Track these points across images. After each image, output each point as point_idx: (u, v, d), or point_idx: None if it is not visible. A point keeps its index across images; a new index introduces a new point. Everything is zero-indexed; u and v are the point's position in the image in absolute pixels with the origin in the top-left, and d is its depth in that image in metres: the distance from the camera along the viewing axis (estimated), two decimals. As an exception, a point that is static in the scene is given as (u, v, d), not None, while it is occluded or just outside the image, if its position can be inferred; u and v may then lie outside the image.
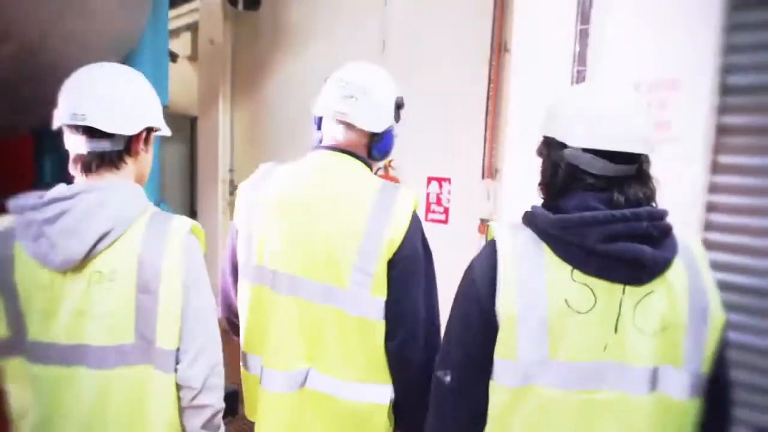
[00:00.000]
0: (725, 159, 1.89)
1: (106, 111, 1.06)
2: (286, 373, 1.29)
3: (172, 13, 5.40)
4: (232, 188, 4.56)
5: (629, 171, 0.96)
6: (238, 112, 4.57)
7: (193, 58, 5.04)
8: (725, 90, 1.87)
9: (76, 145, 1.08)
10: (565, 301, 0.93)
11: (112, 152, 1.09)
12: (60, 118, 1.08)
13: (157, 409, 1.08)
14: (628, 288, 0.93)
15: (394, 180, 3.23)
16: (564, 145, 0.97)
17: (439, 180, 3.13)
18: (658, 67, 1.93)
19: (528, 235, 0.99)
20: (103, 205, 1.04)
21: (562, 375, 0.94)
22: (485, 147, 2.82)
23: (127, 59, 2.81)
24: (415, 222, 1.25)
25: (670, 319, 0.94)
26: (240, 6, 4.02)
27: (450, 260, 2.80)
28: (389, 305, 1.23)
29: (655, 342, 0.94)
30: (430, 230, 3.24)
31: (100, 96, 1.07)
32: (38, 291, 1.04)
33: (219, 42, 4.46)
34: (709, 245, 1.92)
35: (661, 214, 0.96)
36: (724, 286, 1.89)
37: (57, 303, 1.04)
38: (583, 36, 2.04)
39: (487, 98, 2.76)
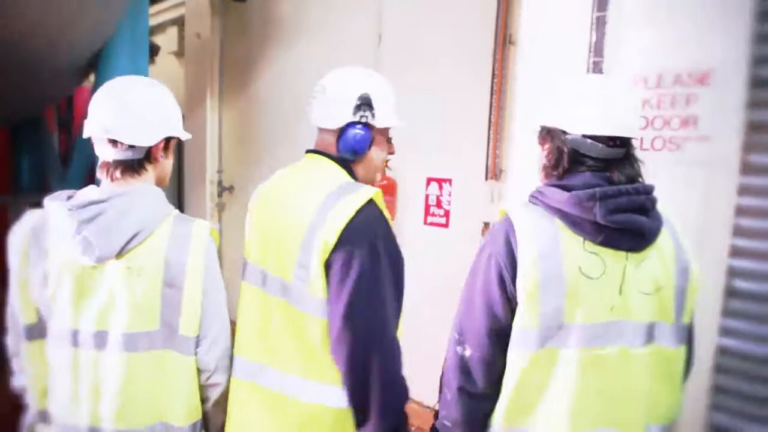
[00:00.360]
0: (756, 158, 1.73)
1: (129, 124, 1.21)
2: (242, 361, 1.36)
3: (158, 7, 5.19)
4: (221, 189, 4.36)
5: (620, 153, 1.10)
6: (227, 109, 4.38)
7: (179, 53, 4.84)
8: (756, 83, 1.71)
9: (103, 153, 1.23)
10: (579, 269, 1.04)
11: (134, 160, 1.24)
12: (89, 129, 1.23)
13: (178, 387, 1.24)
14: (630, 255, 1.07)
15: (390, 181, 3.05)
16: (565, 133, 1.11)
17: (439, 181, 2.96)
18: (683, 58, 1.76)
19: (539, 211, 1.10)
20: (132, 209, 1.20)
21: (577, 336, 1.05)
22: (489, 146, 2.65)
23: (103, 52, 2.65)
24: (359, 223, 1.20)
25: (663, 280, 1.09)
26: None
27: (450, 266, 2.64)
28: (328, 306, 1.24)
29: (651, 301, 1.08)
30: (429, 235, 3.06)
31: (124, 110, 1.21)
32: (70, 282, 1.17)
33: (206, 36, 4.27)
34: (738, 252, 1.76)
35: (652, 189, 1.10)
36: (755, 297, 1.76)
37: (88, 293, 1.19)
38: (600, 24, 1.87)
39: (491, 94, 2.60)
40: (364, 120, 1.30)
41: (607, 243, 1.05)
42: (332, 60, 3.54)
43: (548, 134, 1.15)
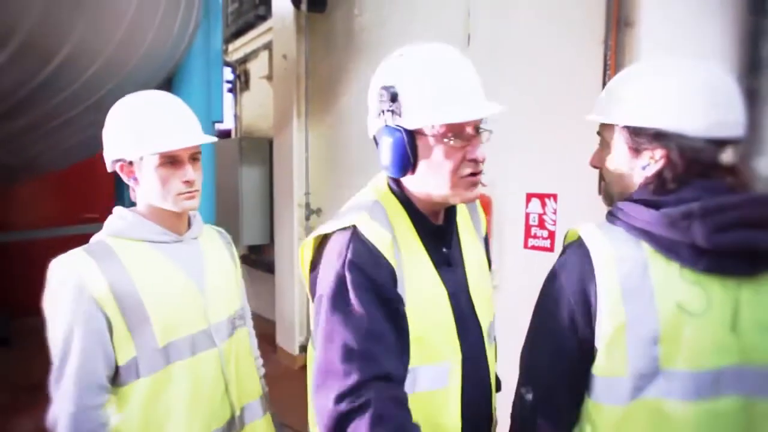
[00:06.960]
0: None
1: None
2: None
3: (252, 33, 5.31)
4: (309, 212, 4.23)
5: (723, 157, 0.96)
6: (314, 129, 4.26)
7: (270, 77, 4.87)
8: None
9: None
10: (677, 304, 0.88)
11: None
12: None
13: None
14: (745, 281, 0.89)
15: (484, 198, 2.66)
16: (680, 136, 0.92)
17: (542, 197, 2.52)
18: None
19: (621, 233, 0.95)
20: None
21: (678, 385, 0.89)
22: (602, 152, 2.18)
23: (179, 71, 2.63)
24: (322, 260, 1.02)
25: None
26: (303, 6, 3.75)
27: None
28: None
29: None
30: (531, 261, 2.60)
31: None
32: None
33: (292, 57, 4.21)
34: None
35: None
36: None
37: None
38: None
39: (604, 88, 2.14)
40: (388, 123, 1.00)
41: (711, 269, 0.88)
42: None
43: (656, 138, 0.95)
